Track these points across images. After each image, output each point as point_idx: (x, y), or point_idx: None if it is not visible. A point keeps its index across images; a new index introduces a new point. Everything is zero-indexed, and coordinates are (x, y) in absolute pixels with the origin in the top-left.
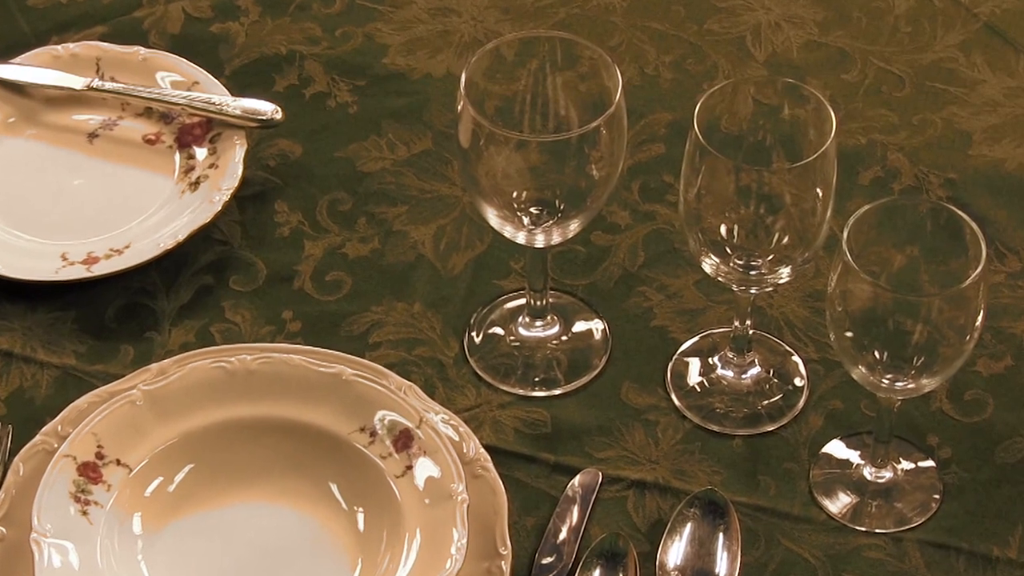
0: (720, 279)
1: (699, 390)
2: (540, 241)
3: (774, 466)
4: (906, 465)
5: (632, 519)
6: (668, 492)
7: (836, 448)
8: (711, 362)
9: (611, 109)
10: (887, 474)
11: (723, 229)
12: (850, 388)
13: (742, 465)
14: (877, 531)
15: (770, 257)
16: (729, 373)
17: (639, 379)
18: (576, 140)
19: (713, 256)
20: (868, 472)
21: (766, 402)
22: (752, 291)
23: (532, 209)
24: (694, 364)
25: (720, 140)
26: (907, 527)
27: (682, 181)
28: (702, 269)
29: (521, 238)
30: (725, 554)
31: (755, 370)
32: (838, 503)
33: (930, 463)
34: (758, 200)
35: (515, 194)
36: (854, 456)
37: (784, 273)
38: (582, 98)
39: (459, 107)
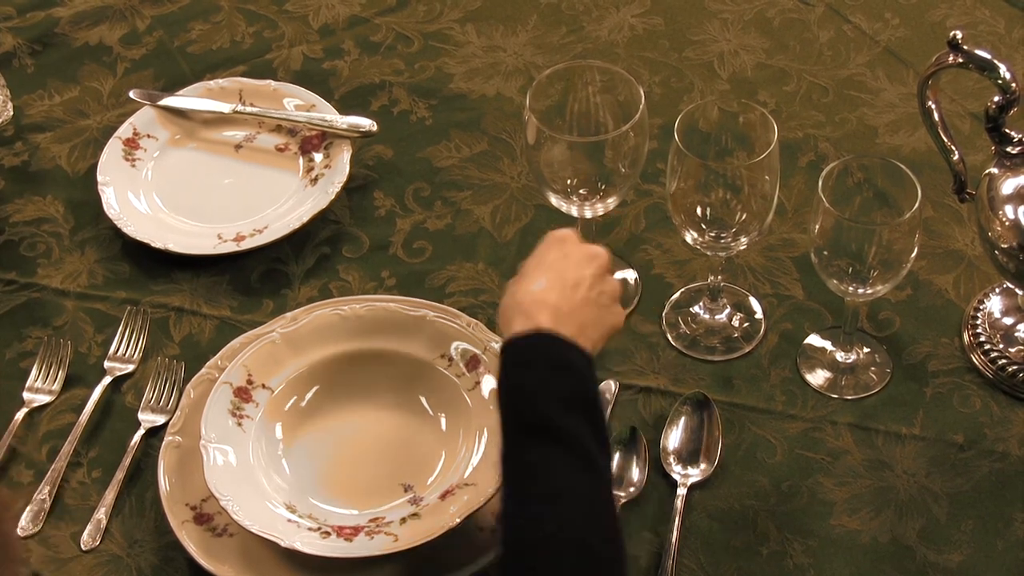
0: (697, 247)
1: (688, 332)
2: (588, 214)
3: (743, 374)
4: (866, 350)
5: (642, 415)
6: (667, 395)
7: (814, 340)
8: (693, 310)
9: (636, 117)
10: (853, 356)
11: (698, 211)
12: (795, 313)
13: (720, 374)
14: (847, 398)
15: (734, 230)
16: (707, 315)
17: (644, 313)
18: (611, 141)
19: (692, 231)
20: (839, 356)
21: (736, 334)
22: (721, 254)
23: (581, 191)
24: (682, 312)
25: (696, 141)
26: (870, 393)
27: (667, 176)
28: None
29: (574, 211)
30: (709, 438)
31: (727, 310)
32: (818, 378)
33: (883, 347)
34: (724, 188)
35: (568, 181)
36: (828, 345)
37: (744, 241)
38: (614, 109)
39: (525, 117)
